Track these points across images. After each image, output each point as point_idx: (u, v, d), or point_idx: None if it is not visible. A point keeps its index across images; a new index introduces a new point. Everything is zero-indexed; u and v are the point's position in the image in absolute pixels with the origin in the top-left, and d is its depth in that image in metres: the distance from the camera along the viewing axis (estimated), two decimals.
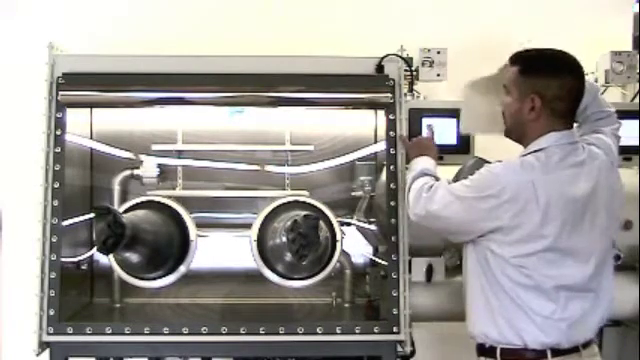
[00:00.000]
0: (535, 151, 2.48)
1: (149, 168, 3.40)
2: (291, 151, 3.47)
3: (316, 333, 2.99)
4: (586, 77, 2.70)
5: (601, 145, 2.60)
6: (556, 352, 2.44)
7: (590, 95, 2.71)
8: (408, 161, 2.87)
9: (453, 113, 3.32)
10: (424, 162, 2.76)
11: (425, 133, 3.05)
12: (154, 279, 3.14)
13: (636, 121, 3.34)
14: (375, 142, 3.40)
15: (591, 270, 2.47)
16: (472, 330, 2.58)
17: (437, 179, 2.67)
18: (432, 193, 2.55)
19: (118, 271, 3.13)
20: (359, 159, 3.45)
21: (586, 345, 2.49)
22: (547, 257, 2.42)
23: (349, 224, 3.37)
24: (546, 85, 2.47)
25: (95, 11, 3.94)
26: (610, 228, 2.55)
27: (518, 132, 2.56)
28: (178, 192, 3.42)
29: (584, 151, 2.52)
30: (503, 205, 2.40)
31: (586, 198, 2.46)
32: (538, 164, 2.43)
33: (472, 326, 2.58)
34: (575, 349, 2.46)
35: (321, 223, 2.87)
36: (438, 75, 3.38)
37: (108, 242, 2.65)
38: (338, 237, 3.12)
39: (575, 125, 2.61)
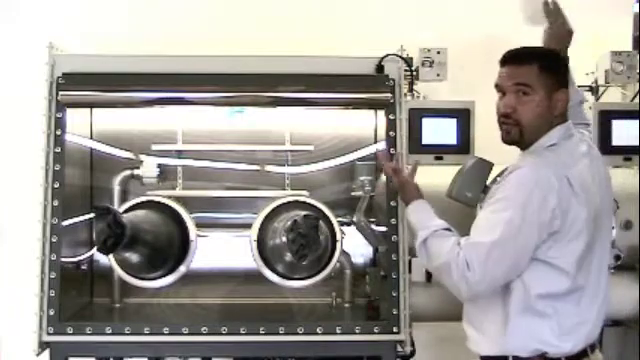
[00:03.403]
0: (549, 146, 2.42)
1: (149, 168, 3.40)
2: (291, 151, 3.47)
3: (316, 333, 2.99)
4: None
5: (588, 140, 2.60)
6: (569, 357, 2.39)
7: (575, 99, 2.69)
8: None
9: (453, 113, 3.33)
10: (421, 211, 2.60)
11: (394, 165, 2.82)
12: (154, 279, 3.14)
13: (636, 121, 3.34)
14: (375, 142, 3.40)
15: (605, 268, 2.45)
16: (477, 348, 2.49)
17: (448, 229, 2.51)
18: (471, 268, 2.31)
19: (118, 271, 3.13)
20: (359, 159, 3.45)
21: (593, 348, 2.45)
22: (584, 255, 2.35)
23: (349, 224, 3.37)
24: (564, 79, 2.47)
25: (95, 11, 3.94)
26: (610, 225, 2.52)
27: (540, 132, 2.45)
28: (178, 192, 3.41)
29: (583, 142, 2.50)
30: (553, 212, 2.29)
31: (598, 190, 2.42)
32: (559, 159, 2.37)
33: (480, 344, 2.48)
34: (584, 353, 2.42)
35: (321, 223, 2.87)
36: (438, 75, 3.38)
37: (108, 242, 2.65)
38: (338, 237, 3.12)
39: None
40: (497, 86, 2.49)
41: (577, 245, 2.33)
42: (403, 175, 2.77)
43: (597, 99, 3.70)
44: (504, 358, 2.42)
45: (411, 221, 2.62)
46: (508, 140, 2.49)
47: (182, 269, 3.14)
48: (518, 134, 2.46)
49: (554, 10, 2.84)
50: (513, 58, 2.47)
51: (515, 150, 2.54)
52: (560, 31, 2.82)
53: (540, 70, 2.42)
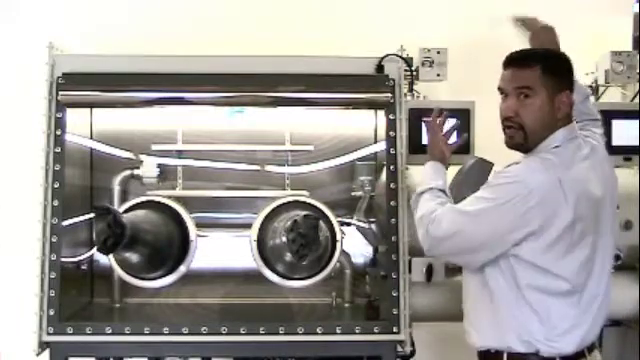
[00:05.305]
0: (552, 148, 2.42)
1: (149, 168, 3.40)
2: (291, 151, 3.48)
3: (316, 333, 2.99)
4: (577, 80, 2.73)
5: (596, 139, 2.58)
6: (564, 357, 2.39)
7: (580, 95, 2.69)
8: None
9: (453, 113, 3.31)
10: (432, 170, 2.64)
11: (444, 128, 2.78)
12: (154, 279, 3.14)
13: (636, 121, 3.34)
14: (375, 142, 3.40)
15: (607, 270, 2.45)
16: (476, 342, 2.51)
17: (444, 191, 2.57)
18: (437, 223, 2.42)
19: (118, 271, 3.13)
20: (359, 159, 3.45)
21: (591, 349, 2.45)
22: (576, 257, 2.36)
23: (349, 224, 3.37)
24: (568, 81, 2.46)
25: (95, 11, 3.94)
26: (613, 225, 2.50)
27: (542, 135, 2.44)
28: (178, 192, 3.42)
29: (586, 144, 2.49)
30: (531, 210, 2.31)
31: (599, 192, 2.42)
32: (558, 160, 2.37)
33: (476, 338, 2.51)
34: (581, 354, 2.42)
35: (321, 223, 2.87)
36: (438, 75, 3.38)
37: (108, 242, 2.65)
38: (338, 237, 3.12)
39: None
40: (500, 89, 2.49)
41: (564, 247, 2.34)
42: (437, 134, 2.75)
43: (597, 99, 3.69)
44: (498, 352, 2.44)
45: (422, 176, 2.66)
46: (512, 145, 2.48)
47: (182, 269, 3.14)
48: (522, 138, 2.45)
49: (527, 21, 2.89)
50: (516, 60, 2.46)
51: (514, 151, 2.54)
52: (542, 35, 2.83)
53: (542, 72, 2.41)
